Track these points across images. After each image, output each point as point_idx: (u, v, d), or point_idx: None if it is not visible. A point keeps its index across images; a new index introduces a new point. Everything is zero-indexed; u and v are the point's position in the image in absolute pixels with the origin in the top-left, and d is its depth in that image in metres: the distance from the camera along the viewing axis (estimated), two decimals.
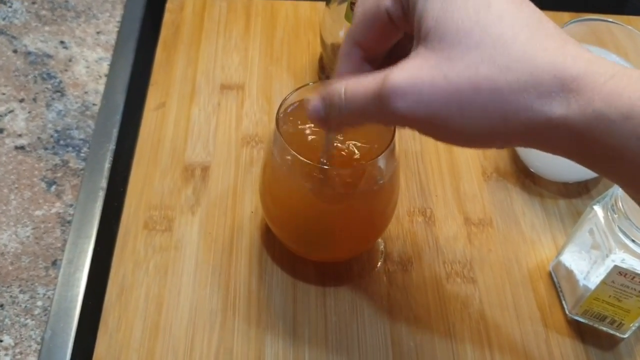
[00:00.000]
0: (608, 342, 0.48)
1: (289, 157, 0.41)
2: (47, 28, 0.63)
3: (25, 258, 0.48)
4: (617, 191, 0.43)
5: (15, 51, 0.61)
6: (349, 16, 0.54)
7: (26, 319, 0.45)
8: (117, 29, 0.63)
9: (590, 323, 0.48)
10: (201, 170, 0.53)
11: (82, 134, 0.55)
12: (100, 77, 0.60)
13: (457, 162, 0.56)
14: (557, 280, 0.50)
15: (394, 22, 0.31)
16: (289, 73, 0.61)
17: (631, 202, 0.43)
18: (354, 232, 0.45)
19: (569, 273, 0.48)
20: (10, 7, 0.64)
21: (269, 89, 0.59)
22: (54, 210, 0.51)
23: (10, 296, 0.46)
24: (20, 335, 0.44)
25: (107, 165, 0.53)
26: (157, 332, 0.45)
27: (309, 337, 0.46)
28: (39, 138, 0.55)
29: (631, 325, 0.46)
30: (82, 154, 0.54)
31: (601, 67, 0.26)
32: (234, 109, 0.58)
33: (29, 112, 0.56)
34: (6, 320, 0.45)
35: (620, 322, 0.46)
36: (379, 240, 0.51)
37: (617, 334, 0.48)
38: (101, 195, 0.52)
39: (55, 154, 0.54)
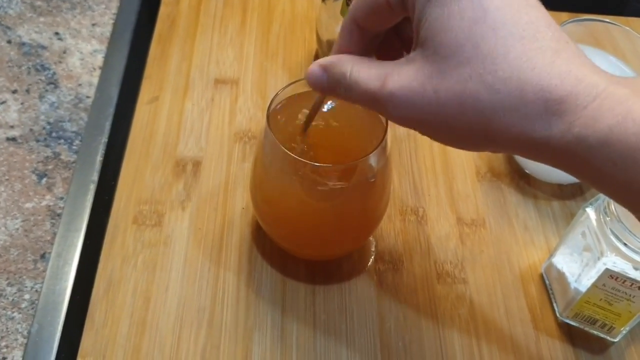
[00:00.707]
0: (598, 346, 0.47)
1: (279, 154, 0.40)
2: (42, 19, 0.62)
3: (13, 251, 0.48)
4: None
5: (9, 42, 0.60)
6: (344, 12, 0.54)
7: (13, 312, 0.45)
8: (112, 21, 0.63)
9: (581, 326, 0.47)
10: (193, 165, 0.53)
11: (75, 127, 0.55)
12: (94, 69, 0.59)
13: (451, 162, 0.56)
14: (548, 283, 0.50)
15: (392, 9, 0.31)
16: (284, 69, 0.61)
17: None
18: (344, 230, 0.45)
19: (561, 275, 0.48)
20: None
21: (263, 85, 0.59)
22: (44, 203, 0.50)
23: None
24: (7, 328, 0.44)
25: (99, 158, 0.53)
26: (143, 328, 0.45)
27: (297, 335, 0.45)
28: (31, 130, 0.54)
29: (622, 329, 0.46)
30: (74, 147, 0.54)
31: (587, 86, 0.26)
32: (227, 104, 0.57)
33: (22, 104, 0.56)
34: None
35: (611, 326, 0.46)
36: (371, 239, 0.51)
37: (608, 338, 0.47)
38: (92, 188, 0.51)
39: (47, 146, 0.54)
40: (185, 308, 0.46)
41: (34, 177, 0.52)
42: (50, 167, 0.52)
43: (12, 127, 0.54)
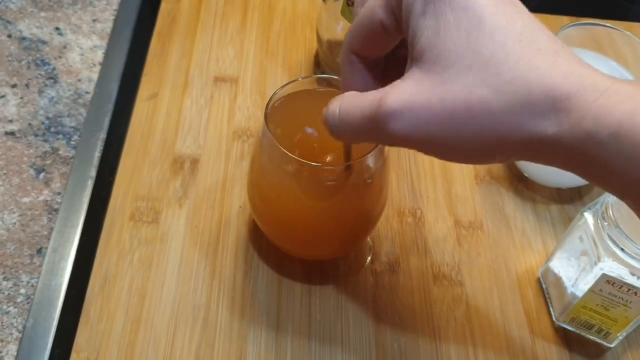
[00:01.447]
0: (595, 351, 0.47)
1: (277, 153, 0.40)
2: (42, 14, 0.62)
3: (10, 245, 0.48)
4: (608, 198, 0.43)
5: (9, 36, 0.60)
6: (345, 12, 0.53)
7: (8, 306, 0.45)
8: (113, 18, 0.63)
9: (578, 331, 0.47)
10: (191, 163, 0.53)
11: (74, 122, 0.55)
12: (94, 65, 0.59)
13: (449, 165, 0.56)
14: (545, 287, 0.49)
15: (388, 32, 0.31)
16: (284, 68, 0.60)
17: (622, 210, 0.42)
18: (340, 230, 0.45)
19: (558, 280, 0.48)
20: None
21: (263, 84, 0.59)
22: (41, 198, 0.50)
23: None
24: (2, 323, 0.44)
25: (97, 154, 0.53)
26: (138, 325, 0.44)
27: (292, 335, 0.45)
28: (29, 124, 0.54)
29: (618, 334, 0.46)
30: (72, 142, 0.54)
31: (593, 83, 0.26)
32: (226, 102, 0.57)
33: (21, 98, 0.56)
34: None
35: (608, 332, 0.46)
36: (368, 240, 0.51)
37: (604, 343, 0.47)
38: (90, 184, 0.51)
39: (46, 141, 0.54)
40: (181, 306, 0.46)
41: (31, 171, 0.52)
42: (48, 162, 0.52)
43: (10, 121, 0.54)
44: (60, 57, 0.59)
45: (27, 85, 0.57)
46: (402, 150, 0.56)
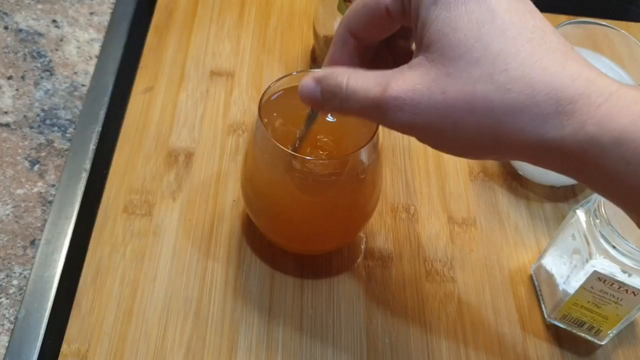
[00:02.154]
0: (585, 349, 0.47)
1: (270, 146, 0.40)
2: (40, 6, 0.62)
3: (3, 236, 0.48)
4: (600, 197, 0.43)
5: (6, 28, 0.60)
6: (342, 8, 0.53)
7: (1, 297, 0.45)
8: (110, 11, 0.63)
9: (569, 328, 0.47)
10: (185, 157, 0.53)
11: (69, 115, 0.55)
12: (90, 58, 0.59)
13: (444, 162, 0.56)
14: (537, 284, 0.50)
15: (392, 18, 0.31)
16: (281, 63, 0.60)
17: (614, 208, 0.42)
18: (333, 225, 0.45)
19: (550, 277, 0.48)
20: None
21: (259, 78, 0.59)
22: (35, 190, 0.50)
23: None
24: None
25: (92, 146, 0.53)
26: (130, 317, 0.45)
27: (284, 328, 0.45)
28: (25, 116, 0.54)
29: (609, 332, 0.46)
30: (67, 135, 0.54)
31: (599, 87, 0.26)
32: (222, 96, 0.57)
33: (17, 90, 0.56)
34: None
35: (598, 329, 0.46)
36: (361, 235, 0.51)
37: (595, 341, 0.47)
38: (84, 176, 0.51)
39: (41, 133, 0.54)
40: (173, 298, 0.46)
41: (26, 163, 0.52)
42: (43, 154, 0.52)
43: (5, 112, 0.54)
44: (56, 49, 0.59)
45: (22, 77, 0.57)
46: (396, 146, 0.56)
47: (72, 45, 0.60)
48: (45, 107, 0.55)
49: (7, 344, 0.43)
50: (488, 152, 0.29)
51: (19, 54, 0.58)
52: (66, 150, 0.53)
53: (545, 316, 0.48)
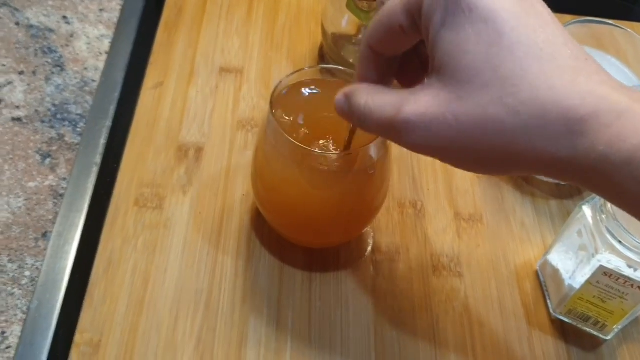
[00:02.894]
0: (590, 343, 0.48)
1: (281, 140, 0.41)
2: (50, 2, 0.63)
3: (16, 228, 0.48)
4: None
5: (17, 24, 0.61)
6: (350, 6, 0.54)
7: (13, 288, 0.45)
8: (120, 7, 0.63)
9: (574, 323, 0.48)
10: (195, 151, 0.54)
11: (80, 110, 0.56)
12: (100, 54, 0.60)
13: None
14: (543, 279, 0.50)
15: (407, 35, 0.31)
16: (289, 60, 0.61)
17: None
18: (342, 219, 0.45)
19: (555, 272, 0.48)
20: None
21: (267, 75, 0.60)
22: (47, 183, 0.51)
23: None
24: (7, 304, 0.45)
25: (102, 141, 0.54)
26: (141, 308, 0.45)
27: (292, 321, 0.46)
28: (36, 111, 0.55)
29: (614, 327, 0.47)
30: (78, 129, 0.54)
31: (610, 105, 0.26)
32: (231, 92, 0.58)
33: (28, 85, 0.57)
34: None
35: (604, 324, 0.47)
36: (369, 229, 0.51)
37: (600, 336, 0.48)
38: (95, 170, 0.52)
39: (52, 127, 0.54)
40: (183, 290, 0.46)
41: (37, 157, 0.52)
42: (54, 148, 0.53)
43: (17, 107, 0.55)
44: (67, 45, 0.60)
45: (34, 73, 0.57)
46: None
47: (82, 41, 0.60)
48: (56, 102, 0.56)
49: (20, 334, 0.43)
50: (503, 170, 0.30)
51: (30, 50, 0.59)
52: (77, 144, 0.53)
53: (551, 311, 0.49)
